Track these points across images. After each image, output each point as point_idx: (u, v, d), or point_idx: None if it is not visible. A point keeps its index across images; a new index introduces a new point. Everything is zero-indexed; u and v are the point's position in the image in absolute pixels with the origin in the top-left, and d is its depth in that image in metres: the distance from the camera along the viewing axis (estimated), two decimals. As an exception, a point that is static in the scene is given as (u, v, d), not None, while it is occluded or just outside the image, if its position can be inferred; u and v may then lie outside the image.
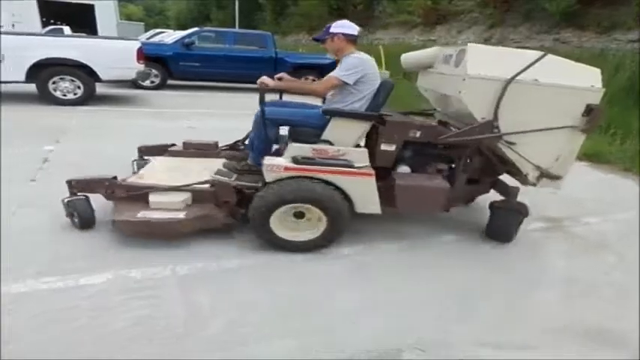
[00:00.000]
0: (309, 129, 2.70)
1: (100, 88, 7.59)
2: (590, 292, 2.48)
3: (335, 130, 2.64)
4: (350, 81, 2.64)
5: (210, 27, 16.57)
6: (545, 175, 2.77)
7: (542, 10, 10.94)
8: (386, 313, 2.14)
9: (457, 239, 3.04)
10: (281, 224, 2.61)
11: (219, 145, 3.57)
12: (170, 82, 10.09)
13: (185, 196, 2.69)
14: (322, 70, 11.62)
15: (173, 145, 3.58)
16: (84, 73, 7.05)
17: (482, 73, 2.49)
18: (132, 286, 2.18)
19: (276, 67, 10.06)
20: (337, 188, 2.55)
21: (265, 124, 2.72)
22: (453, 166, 2.98)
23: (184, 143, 3.56)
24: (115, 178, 2.79)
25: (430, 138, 2.74)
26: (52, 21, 21.49)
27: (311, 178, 2.52)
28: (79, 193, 2.76)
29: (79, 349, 1.74)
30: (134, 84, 9.19)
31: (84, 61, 6.95)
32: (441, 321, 2.10)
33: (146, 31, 23.39)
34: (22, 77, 6.74)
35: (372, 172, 2.59)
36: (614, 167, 5.31)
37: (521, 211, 2.96)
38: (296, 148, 2.59)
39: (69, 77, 7.01)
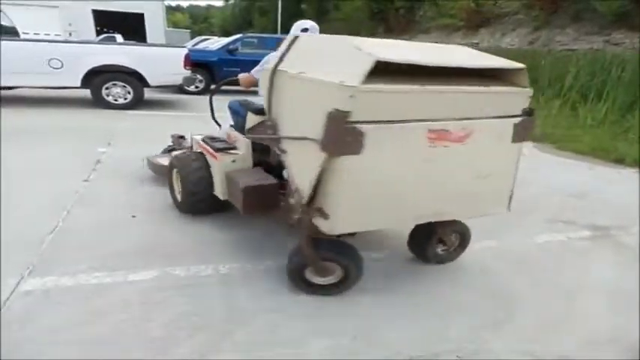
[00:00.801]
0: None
1: (147, 93, 7.93)
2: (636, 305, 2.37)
3: (248, 121, 2.65)
4: (258, 77, 2.78)
5: (252, 33, 16.95)
6: (300, 204, 1.97)
7: (592, 10, 10.48)
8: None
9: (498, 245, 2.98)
10: None
11: None
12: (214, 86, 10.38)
13: None
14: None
15: None
16: (134, 78, 7.41)
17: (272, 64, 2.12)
18: (176, 283, 2.28)
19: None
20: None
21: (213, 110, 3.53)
22: None
23: None
24: (181, 137, 3.90)
25: None
26: (105, 29, 22.64)
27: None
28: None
29: (124, 342, 1.83)
30: (179, 89, 9.55)
31: (134, 68, 7.30)
32: (479, 328, 2.08)
33: (192, 38, 24.19)
34: (78, 83, 7.16)
35: (217, 155, 2.70)
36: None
37: (301, 256, 2.13)
38: (221, 131, 3.15)
39: (120, 83, 7.39)
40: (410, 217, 2.09)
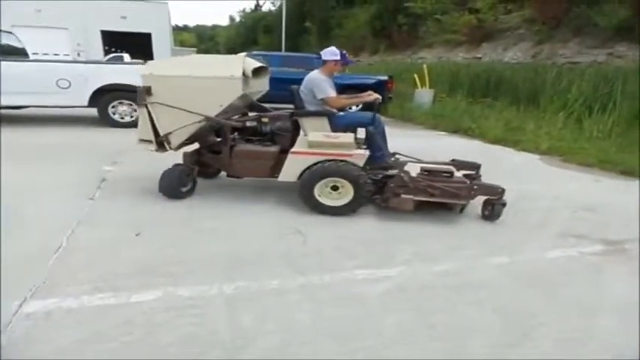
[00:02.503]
0: None
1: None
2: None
3: None
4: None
5: (257, 51, 17.12)
6: None
7: (594, 25, 10.49)
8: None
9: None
10: None
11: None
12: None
13: None
14: (367, 89, 11.67)
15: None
16: (140, 97, 7.49)
17: None
18: (180, 303, 2.25)
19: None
20: None
21: None
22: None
23: None
24: None
25: None
26: (113, 49, 23.00)
27: None
28: None
29: (130, 364, 1.80)
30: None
31: (141, 87, 7.38)
32: (496, 346, 2.02)
33: (197, 56, 24.48)
34: (86, 102, 7.23)
35: None
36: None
37: None
38: None
39: (127, 101, 7.45)
40: None
